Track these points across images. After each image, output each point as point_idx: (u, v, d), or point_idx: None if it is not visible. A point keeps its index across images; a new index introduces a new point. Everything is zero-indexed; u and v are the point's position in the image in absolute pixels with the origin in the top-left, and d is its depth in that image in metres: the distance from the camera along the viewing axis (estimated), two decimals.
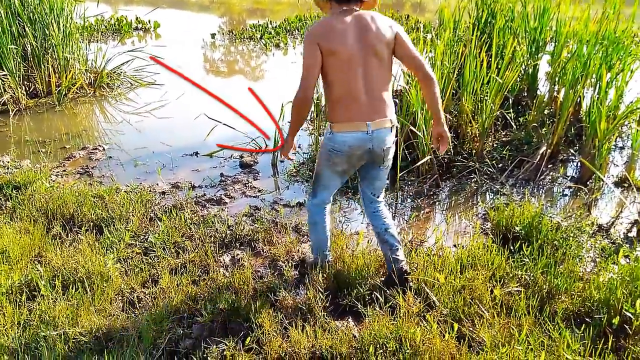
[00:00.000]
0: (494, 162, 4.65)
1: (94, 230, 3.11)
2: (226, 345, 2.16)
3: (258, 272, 2.88)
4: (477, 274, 2.71)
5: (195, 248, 3.02)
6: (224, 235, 3.23)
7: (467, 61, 4.65)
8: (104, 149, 4.96)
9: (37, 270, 2.51)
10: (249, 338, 2.21)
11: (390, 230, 2.68)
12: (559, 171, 4.54)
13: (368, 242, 3.38)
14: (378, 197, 2.74)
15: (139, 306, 2.46)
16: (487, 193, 4.23)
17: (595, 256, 3.20)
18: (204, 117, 5.22)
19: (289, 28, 11.32)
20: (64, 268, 2.54)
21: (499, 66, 4.70)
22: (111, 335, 2.22)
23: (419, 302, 2.47)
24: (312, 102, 2.43)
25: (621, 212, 3.74)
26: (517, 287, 2.67)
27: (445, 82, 4.65)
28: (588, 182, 4.33)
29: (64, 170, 4.43)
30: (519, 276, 2.76)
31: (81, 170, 4.45)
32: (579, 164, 4.70)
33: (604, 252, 3.23)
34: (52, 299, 2.38)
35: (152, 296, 2.49)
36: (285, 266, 2.87)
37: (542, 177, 4.48)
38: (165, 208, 3.61)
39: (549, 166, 4.68)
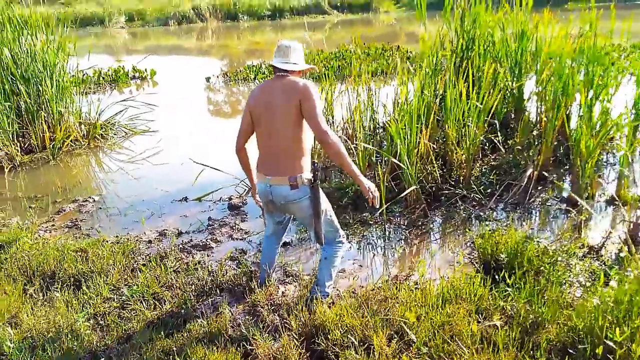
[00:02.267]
0: (482, 187, 4.60)
1: (72, 286, 3.10)
2: None
3: (237, 320, 2.83)
4: (459, 308, 2.64)
5: (173, 298, 2.98)
6: (204, 282, 3.20)
7: (448, 89, 4.67)
8: (94, 201, 5.00)
9: (8, 333, 2.48)
10: None
11: (321, 263, 2.94)
12: (548, 193, 4.48)
13: (351, 281, 3.33)
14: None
15: None
16: (476, 220, 4.17)
17: (585, 280, 3.12)
18: (197, 160, 5.25)
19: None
20: (35, 329, 2.51)
21: (478, 92, 4.70)
22: None
23: (395, 342, 2.40)
24: (242, 155, 2.88)
25: (611, 232, 3.65)
26: (499, 319, 2.60)
27: (426, 111, 4.68)
28: (578, 203, 4.26)
29: (53, 225, 4.45)
30: (502, 308, 2.68)
31: (70, 224, 4.47)
32: (569, 184, 4.65)
33: (594, 275, 3.14)
34: None
35: (124, 353, 2.45)
36: (264, 311, 2.82)
37: (531, 200, 4.43)
38: (149, 258, 3.60)
39: (539, 188, 4.63)
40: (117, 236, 4.10)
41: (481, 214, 4.26)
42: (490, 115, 5.28)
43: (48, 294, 3.00)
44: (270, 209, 2.89)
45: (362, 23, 25.10)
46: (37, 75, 6.45)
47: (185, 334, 2.61)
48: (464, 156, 4.67)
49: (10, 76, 6.26)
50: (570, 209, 4.08)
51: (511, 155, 5.06)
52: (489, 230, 3.63)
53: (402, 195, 4.21)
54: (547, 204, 4.35)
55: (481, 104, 4.63)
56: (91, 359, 2.44)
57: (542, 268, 3.13)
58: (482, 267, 3.30)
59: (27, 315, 2.65)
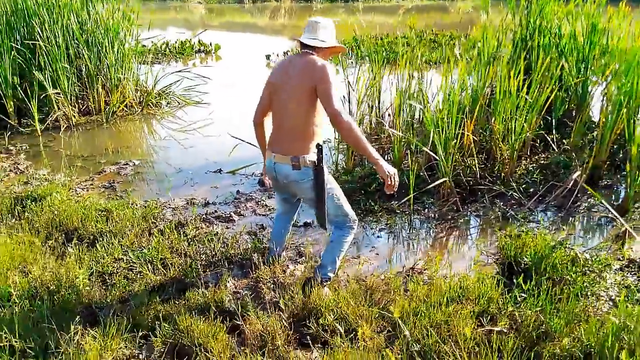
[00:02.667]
0: (524, 186, 4.31)
1: (88, 244, 3.21)
2: None
3: (237, 294, 2.81)
4: (463, 309, 2.48)
5: (180, 265, 3.01)
6: (215, 253, 3.21)
7: (499, 80, 4.39)
8: (134, 165, 5.16)
9: (13, 281, 2.60)
10: None
11: (327, 247, 2.89)
12: (596, 199, 4.13)
13: (363, 268, 3.23)
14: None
15: (100, 320, 2.44)
16: (511, 220, 3.91)
17: (616, 295, 2.84)
18: (234, 135, 5.28)
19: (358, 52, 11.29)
20: (40, 279, 2.62)
21: (536, 85, 4.37)
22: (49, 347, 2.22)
23: (385, 335, 2.29)
24: (259, 129, 2.87)
25: None
26: (505, 325, 2.42)
27: (471, 102, 4.44)
28: (628, 211, 3.90)
29: (91, 184, 4.64)
30: (511, 313, 2.49)
31: (107, 184, 4.64)
32: (621, 191, 4.26)
33: (629, 290, 2.86)
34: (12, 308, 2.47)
35: (116, 312, 2.49)
36: (265, 288, 2.79)
37: (576, 205, 4.10)
38: (168, 224, 3.65)
39: (588, 193, 4.27)
40: (146, 201, 4.20)
41: (517, 214, 4.00)
42: (546, 111, 4.95)
43: (62, 249, 3.12)
44: (276, 187, 2.87)
45: (437, 10, 24.28)
46: (100, 42, 6.71)
47: (182, 302, 2.63)
48: (508, 152, 4.39)
49: (75, 41, 6.54)
50: (618, 217, 3.73)
51: (562, 156, 4.70)
52: (518, 231, 3.39)
53: (431, 186, 4.02)
54: (593, 210, 4.01)
55: (534, 97, 4.31)
56: (87, 314, 2.51)
57: (568, 277, 2.89)
58: (504, 269, 3.09)
59: (37, 268, 2.76)
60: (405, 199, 3.92)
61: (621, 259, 3.25)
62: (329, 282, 2.82)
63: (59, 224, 3.38)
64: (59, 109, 6.33)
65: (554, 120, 5.14)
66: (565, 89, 5.26)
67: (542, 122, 5.22)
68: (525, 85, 4.36)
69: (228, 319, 2.47)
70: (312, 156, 2.57)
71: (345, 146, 4.71)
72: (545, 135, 4.95)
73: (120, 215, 3.61)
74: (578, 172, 4.11)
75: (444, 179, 3.99)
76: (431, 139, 3.97)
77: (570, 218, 3.94)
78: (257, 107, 2.85)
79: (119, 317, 2.39)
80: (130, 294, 2.70)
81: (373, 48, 6.59)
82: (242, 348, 2.29)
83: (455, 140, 4.11)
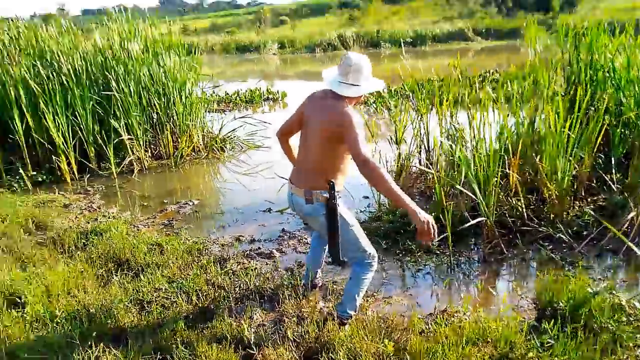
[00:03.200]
0: (574, 228, 4.12)
1: (134, 274, 3.48)
2: None
3: (262, 326, 2.92)
4: (479, 351, 2.42)
5: (214, 296, 3.18)
6: (249, 286, 3.35)
7: (546, 116, 4.31)
8: (193, 204, 5.51)
9: (60, 304, 2.90)
10: None
11: (347, 284, 2.92)
12: None
13: (391, 308, 3.22)
14: (337, 264, 2.89)
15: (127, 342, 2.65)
16: (559, 264, 3.73)
17: None
18: (281, 175, 5.51)
19: (404, 93, 11.48)
20: (82, 303, 2.89)
21: (578, 121, 4.24)
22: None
23: None
24: (283, 142, 3.03)
25: None
26: None
27: (516, 140, 4.37)
28: None
29: (153, 222, 5.01)
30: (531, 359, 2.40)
31: (166, 222, 5.00)
32: None
33: None
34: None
35: (145, 337, 2.69)
36: (288, 322, 2.87)
37: (632, 249, 3.83)
38: (212, 259, 3.86)
39: None
40: (197, 237, 4.47)
41: (567, 258, 3.82)
42: (606, 149, 4.75)
43: (110, 277, 3.41)
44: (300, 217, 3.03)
45: (507, 50, 23.90)
46: (170, 92, 7.34)
47: (207, 330, 2.77)
48: (555, 192, 4.24)
49: (146, 91, 7.21)
50: None
51: (620, 197, 4.45)
52: (556, 274, 3.24)
53: (467, 225, 3.95)
54: None
55: (581, 134, 4.19)
56: (117, 336, 2.72)
57: (608, 325, 2.72)
58: (540, 315, 2.97)
59: (84, 293, 3.05)
60: (440, 237, 3.88)
61: None
62: (349, 320, 2.85)
63: (112, 255, 3.71)
64: (132, 153, 6.94)
65: (613, 159, 4.90)
66: (623, 125, 5.02)
67: (600, 161, 5.02)
68: (574, 122, 4.24)
69: (244, 349, 2.57)
70: (325, 193, 2.61)
71: None
72: (603, 175, 4.73)
73: (168, 249, 3.88)
74: (634, 213, 3.88)
75: (480, 219, 3.91)
76: (462, 176, 3.94)
77: (623, 263, 3.70)
78: (283, 123, 2.97)
79: (145, 341, 2.58)
80: (162, 321, 2.90)
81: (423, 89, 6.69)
82: None
83: (495, 179, 4.04)
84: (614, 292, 3.02)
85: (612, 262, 3.71)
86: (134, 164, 6.92)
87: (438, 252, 4.04)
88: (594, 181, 4.79)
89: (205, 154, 7.62)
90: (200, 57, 8.09)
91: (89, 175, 6.67)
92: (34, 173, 6.46)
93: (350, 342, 2.51)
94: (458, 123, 4.85)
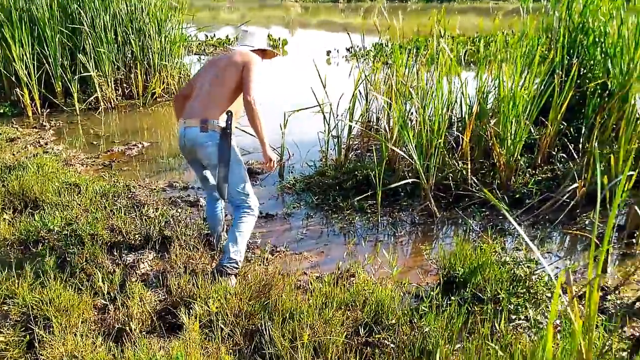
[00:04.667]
0: (517, 196, 3.87)
1: (37, 213, 3.37)
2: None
3: (145, 275, 2.81)
4: (343, 314, 2.26)
5: (107, 242, 3.06)
6: (154, 234, 3.21)
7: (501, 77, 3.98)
8: (142, 146, 5.36)
9: None
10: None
11: (231, 229, 2.83)
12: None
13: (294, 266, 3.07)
14: (220, 197, 2.97)
15: None
16: (490, 231, 3.50)
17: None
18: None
19: (407, 47, 10.96)
20: None
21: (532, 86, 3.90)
22: None
23: (241, 329, 2.14)
24: (177, 102, 3.07)
25: (631, 274, 2.79)
26: (383, 337, 2.17)
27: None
28: (635, 233, 3.35)
29: (93, 161, 4.89)
30: (394, 324, 2.23)
31: (107, 162, 4.87)
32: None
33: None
34: None
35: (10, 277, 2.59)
36: (173, 273, 2.74)
37: (576, 220, 3.59)
38: (130, 203, 3.73)
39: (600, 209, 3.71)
40: (130, 180, 4.34)
41: (498, 225, 3.59)
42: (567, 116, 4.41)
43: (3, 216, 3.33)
44: (187, 158, 2.96)
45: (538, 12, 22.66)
46: (148, 30, 7.06)
47: (72, 277, 2.66)
48: (504, 158, 3.95)
49: (124, 27, 6.95)
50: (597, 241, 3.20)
51: (566, 166, 4.16)
52: (465, 240, 3.04)
53: (394, 185, 3.73)
54: (589, 228, 3.48)
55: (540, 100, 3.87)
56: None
57: (500, 296, 2.54)
58: (439, 280, 2.79)
59: None
60: (364, 195, 3.68)
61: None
62: (236, 271, 2.72)
63: (20, 192, 3.59)
64: (101, 90, 6.76)
65: (583, 128, 4.56)
66: (608, 95, 4.62)
67: (573, 129, 4.68)
68: (529, 85, 3.91)
69: (106, 299, 2.46)
70: (221, 122, 2.72)
71: (336, 141, 4.52)
72: (568, 144, 4.41)
73: (87, 190, 3.75)
74: (576, 185, 3.59)
75: (407, 180, 3.69)
76: (394, 136, 3.69)
77: (555, 235, 3.46)
78: (184, 88, 3.09)
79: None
80: (39, 263, 2.78)
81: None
82: (101, 327, 2.27)
83: (440, 140, 3.78)
84: (520, 262, 2.80)
85: (541, 233, 3.46)
86: (100, 101, 6.76)
87: (368, 211, 3.84)
88: (559, 150, 4.46)
89: None
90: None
91: (49, 111, 6.54)
92: None
93: (217, 296, 2.37)
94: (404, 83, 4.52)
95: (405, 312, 2.35)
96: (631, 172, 2.64)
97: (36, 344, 2.12)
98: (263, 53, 3.04)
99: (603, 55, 4.79)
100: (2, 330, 2.22)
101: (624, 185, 3.01)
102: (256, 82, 2.74)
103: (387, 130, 4.30)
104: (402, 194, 4.03)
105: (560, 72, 4.54)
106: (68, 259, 2.87)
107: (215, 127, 2.70)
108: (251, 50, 2.92)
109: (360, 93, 5.13)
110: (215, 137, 2.70)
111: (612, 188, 3.27)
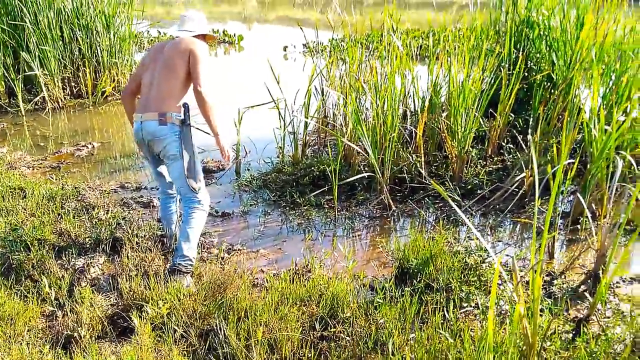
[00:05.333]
0: (469, 187, 3.97)
1: None
2: None
3: (96, 280, 2.73)
4: (298, 309, 2.27)
5: (54, 246, 2.95)
6: (104, 237, 3.12)
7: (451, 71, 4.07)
8: (92, 147, 5.19)
9: None
10: None
11: (183, 222, 2.84)
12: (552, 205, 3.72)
13: (251, 264, 3.05)
14: (171, 191, 3.04)
15: None
16: (443, 222, 3.58)
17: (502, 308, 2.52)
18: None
19: (364, 42, 11.05)
20: None
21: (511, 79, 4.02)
22: None
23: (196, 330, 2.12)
24: (126, 98, 2.98)
25: (576, 259, 2.92)
26: (338, 330, 2.19)
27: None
28: (579, 220, 3.49)
29: (41, 164, 4.71)
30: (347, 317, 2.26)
31: (54, 164, 4.70)
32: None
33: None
34: None
35: None
36: (124, 276, 2.67)
37: (525, 209, 3.71)
38: (80, 205, 3.62)
39: (546, 198, 3.86)
40: (78, 182, 4.20)
41: (451, 215, 3.68)
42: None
43: None
44: (144, 153, 2.93)
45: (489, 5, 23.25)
46: (95, 26, 6.83)
47: (18, 284, 2.56)
48: (455, 150, 4.05)
49: (70, 24, 6.70)
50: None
51: (515, 157, 4.31)
52: (418, 231, 3.09)
53: (349, 180, 3.77)
54: (538, 216, 3.62)
55: (487, 92, 3.97)
56: None
57: (451, 285, 2.60)
58: (394, 272, 2.83)
59: None
60: (317, 192, 3.70)
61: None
62: (191, 268, 2.69)
63: None
64: (48, 90, 6.51)
65: (531, 119, 4.71)
66: (553, 87, 4.79)
67: (521, 121, 4.83)
68: (478, 79, 4.01)
69: (54, 305, 2.38)
70: (179, 115, 2.74)
71: (292, 137, 4.51)
72: (517, 135, 4.55)
73: (33, 193, 3.61)
74: (523, 174, 3.72)
75: (363, 175, 3.73)
76: (347, 131, 3.72)
77: (506, 223, 3.57)
78: (129, 83, 3.01)
79: None
80: None
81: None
82: (49, 335, 2.20)
83: (393, 134, 3.83)
84: (472, 251, 2.88)
85: (492, 222, 3.57)
86: (47, 101, 6.50)
87: (325, 206, 3.86)
88: (508, 141, 4.60)
89: None
90: None
91: None
92: None
93: (170, 297, 2.32)
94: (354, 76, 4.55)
95: (361, 304, 2.37)
96: (571, 160, 2.75)
97: None
98: (204, 38, 2.99)
99: (548, 48, 4.97)
100: None
101: (568, 173, 3.15)
102: (206, 71, 2.72)
103: (343, 125, 4.33)
104: (359, 188, 4.07)
105: (508, 65, 4.69)
106: (13, 265, 2.75)
107: (175, 120, 2.71)
108: (192, 37, 2.87)
109: (316, 88, 5.14)
110: (174, 130, 2.71)
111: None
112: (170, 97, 2.72)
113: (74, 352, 2.03)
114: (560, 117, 4.63)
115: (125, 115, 3.25)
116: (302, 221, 3.68)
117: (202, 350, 2.12)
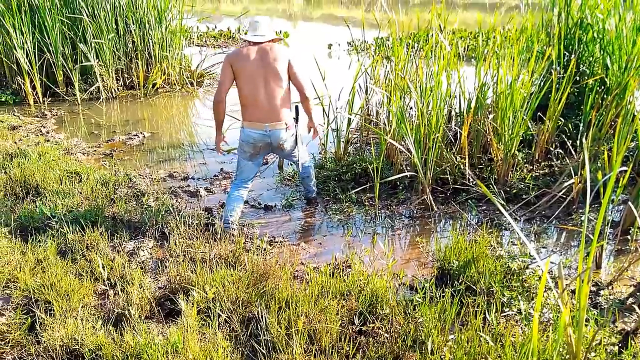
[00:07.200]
0: (514, 191, 3.90)
1: (37, 200, 3.41)
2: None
3: (143, 263, 2.84)
4: (338, 303, 2.31)
5: (105, 228, 3.09)
6: (154, 222, 3.24)
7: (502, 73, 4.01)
8: (143, 136, 5.38)
9: None
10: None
11: (306, 180, 3.78)
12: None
13: (291, 256, 3.11)
14: (297, 162, 3.47)
15: None
16: (486, 225, 3.53)
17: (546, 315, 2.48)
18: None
19: (409, 42, 10.95)
20: None
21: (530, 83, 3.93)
22: None
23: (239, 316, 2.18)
24: (222, 106, 3.17)
25: (625, 270, 2.83)
26: (376, 325, 2.22)
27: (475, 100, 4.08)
28: (629, 230, 3.38)
29: (95, 150, 4.92)
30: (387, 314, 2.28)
31: (107, 152, 4.90)
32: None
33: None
34: None
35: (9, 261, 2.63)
36: (170, 261, 2.77)
37: (572, 216, 3.62)
38: (131, 192, 3.77)
39: (595, 206, 3.76)
40: (130, 170, 4.37)
41: (494, 219, 3.63)
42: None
43: (6, 203, 3.36)
44: (257, 151, 3.31)
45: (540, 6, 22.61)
46: (148, 20, 7.06)
47: (73, 263, 2.70)
48: (501, 153, 3.99)
49: (124, 18, 6.95)
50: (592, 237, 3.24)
51: (563, 163, 4.20)
52: (461, 234, 3.07)
53: (391, 178, 3.77)
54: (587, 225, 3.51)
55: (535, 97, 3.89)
56: None
57: (493, 289, 2.58)
58: (436, 273, 2.83)
59: None
60: (358, 189, 3.71)
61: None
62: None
63: (21, 180, 3.62)
64: (102, 80, 6.77)
65: (581, 125, 4.58)
66: (606, 92, 4.64)
67: (571, 126, 4.70)
68: (528, 82, 3.93)
69: (106, 284, 2.50)
70: (292, 119, 3.32)
71: (336, 134, 4.55)
72: (566, 140, 4.44)
73: (87, 178, 3.78)
74: (572, 181, 3.63)
75: (405, 174, 3.73)
76: (391, 129, 3.72)
77: (551, 230, 3.50)
78: (219, 90, 3.16)
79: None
80: (35, 250, 2.81)
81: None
82: (101, 312, 2.32)
83: (438, 134, 3.81)
84: (515, 256, 2.84)
85: (537, 228, 3.50)
86: (102, 91, 6.77)
87: (366, 203, 3.88)
88: (557, 146, 4.49)
89: (180, 87, 7.42)
90: None
91: (51, 100, 6.56)
92: None
93: (215, 283, 2.41)
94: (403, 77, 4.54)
95: (400, 302, 2.39)
96: (623, 168, 2.67)
97: (37, 327, 2.17)
98: (273, 41, 3.31)
99: (602, 52, 4.81)
100: (4, 312, 2.26)
101: (620, 182, 3.05)
102: (307, 78, 3.30)
103: (386, 124, 4.33)
104: (400, 187, 4.06)
105: (559, 68, 4.57)
106: (69, 245, 2.90)
107: (293, 124, 3.32)
108: (268, 41, 3.20)
109: (360, 86, 5.15)
110: (293, 130, 3.32)
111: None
112: (285, 105, 3.21)
113: (124, 329, 2.13)
114: (612, 123, 4.49)
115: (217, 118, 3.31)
116: (343, 217, 3.71)
117: (244, 336, 2.19)
